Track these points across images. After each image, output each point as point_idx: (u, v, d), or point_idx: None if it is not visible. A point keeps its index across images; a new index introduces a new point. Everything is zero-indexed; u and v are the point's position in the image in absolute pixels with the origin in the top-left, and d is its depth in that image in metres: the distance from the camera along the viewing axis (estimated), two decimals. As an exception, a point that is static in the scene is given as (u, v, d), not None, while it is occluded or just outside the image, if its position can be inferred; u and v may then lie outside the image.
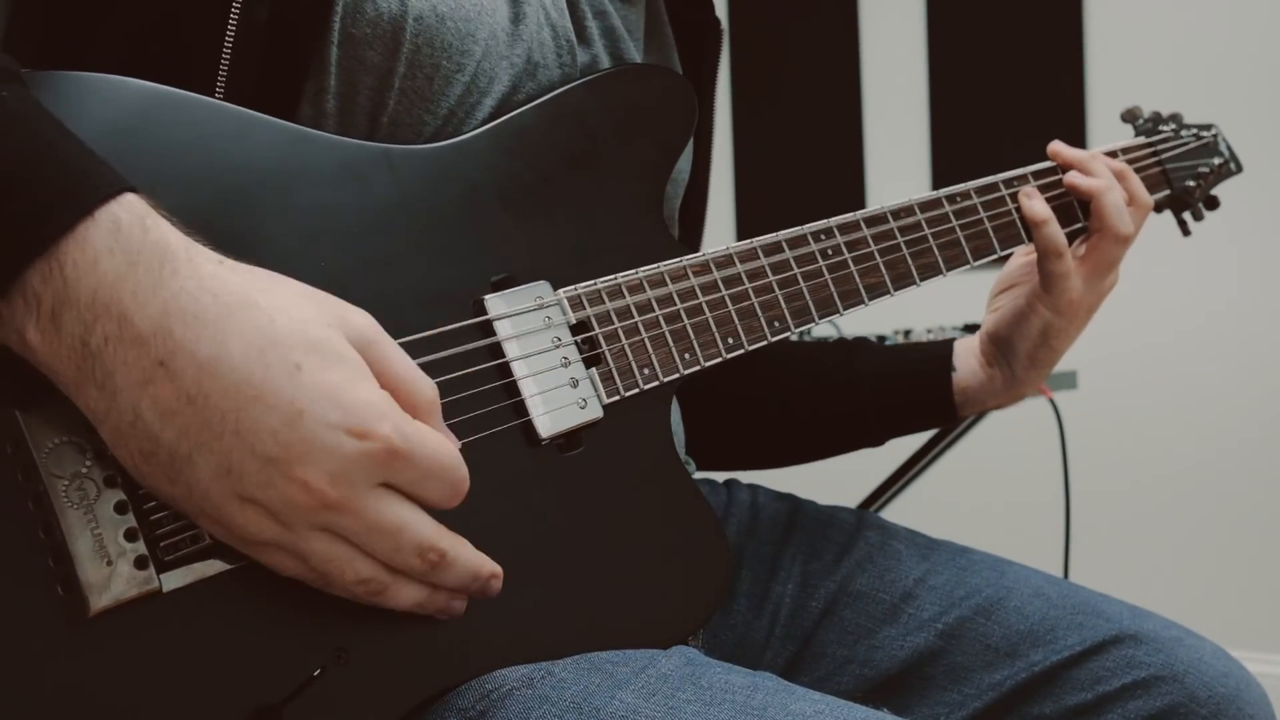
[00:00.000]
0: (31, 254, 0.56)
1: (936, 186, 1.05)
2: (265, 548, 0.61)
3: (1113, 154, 1.10)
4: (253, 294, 0.59)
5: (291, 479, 0.58)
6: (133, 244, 0.57)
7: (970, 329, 1.83)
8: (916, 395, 1.08)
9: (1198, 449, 2.93)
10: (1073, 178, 1.03)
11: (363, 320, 0.63)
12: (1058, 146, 1.06)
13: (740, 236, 3.33)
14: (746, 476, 1.17)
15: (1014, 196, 1.01)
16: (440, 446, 0.62)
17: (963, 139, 3.19)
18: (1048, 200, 1.01)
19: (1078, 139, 2.97)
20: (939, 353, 1.09)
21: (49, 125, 0.60)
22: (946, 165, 3.20)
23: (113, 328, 0.57)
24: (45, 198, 0.57)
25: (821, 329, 0.89)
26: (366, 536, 0.61)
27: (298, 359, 0.59)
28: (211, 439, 0.58)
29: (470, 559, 0.65)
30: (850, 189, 3.36)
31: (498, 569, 0.67)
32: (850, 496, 1.76)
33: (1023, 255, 1.07)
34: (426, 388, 0.64)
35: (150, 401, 0.57)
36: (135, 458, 0.59)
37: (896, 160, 3.31)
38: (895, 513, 1.59)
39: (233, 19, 0.72)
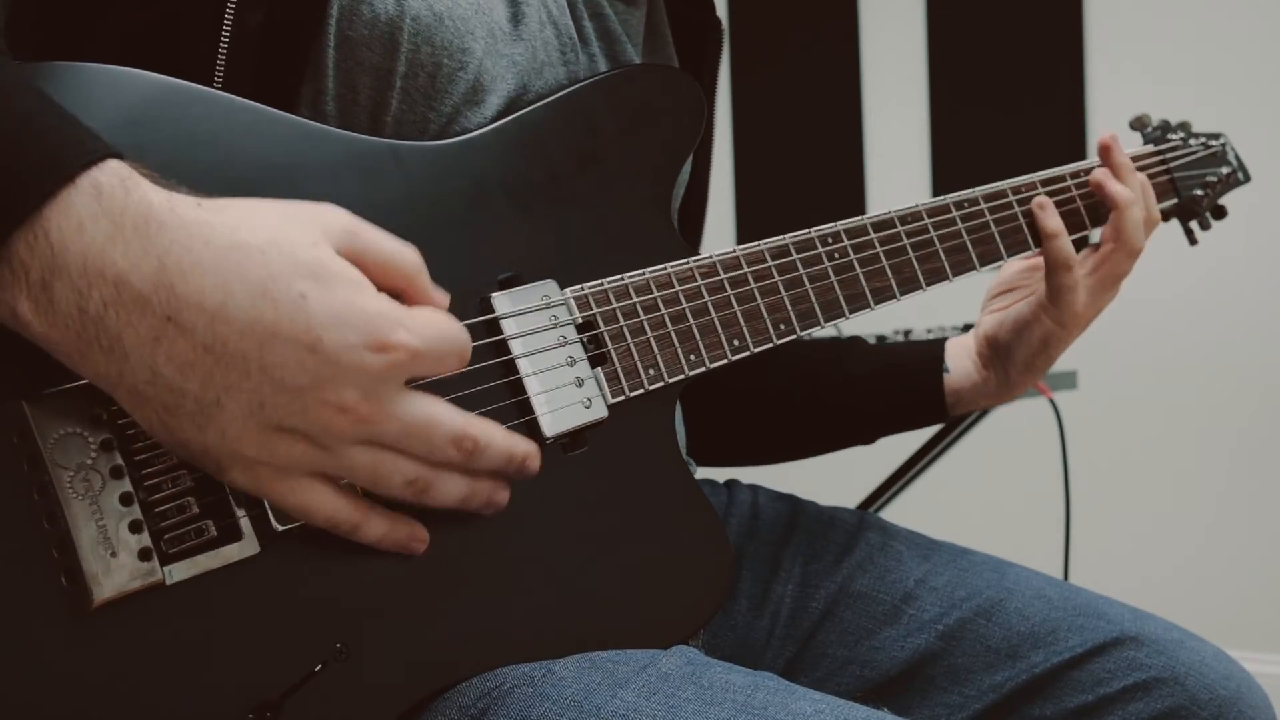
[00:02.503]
0: (14, 222, 0.56)
1: (937, 188, 1.06)
2: (304, 482, 0.63)
3: None
4: (240, 234, 0.60)
5: (325, 402, 0.60)
6: (115, 206, 0.58)
7: (969, 329, 1.82)
8: (908, 395, 1.08)
9: (1198, 449, 2.93)
10: (1101, 178, 1.03)
11: (335, 217, 0.64)
12: (1110, 142, 1.05)
13: (740, 238, 3.34)
14: (747, 477, 1.17)
15: (1022, 203, 1.01)
16: (444, 324, 0.64)
17: (963, 141, 3.19)
18: (1055, 207, 1.01)
19: (1078, 142, 2.97)
20: (931, 353, 1.09)
21: (31, 95, 0.60)
22: (946, 166, 3.20)
23: (110, 291, 0.57)
24: (26, 166, 0.57)
25: (822, 330, 0.89)
26: (404, 439, 0.63)
27: (300, 288, 0.60)
28: (239, 379, 0.59)
29: (504, 441, 0.67)
30: (850, 190, 3.36)
31: (532, 447, 0.69)
32: (850, 497, 1.77)
33: (1022, 258, 1.07)
34: (412, 255, 0.65)
35: (166, 357, 0.58)
36: (160, 413, 0.60)
37: (896, 161, 3.31)
38: (895, 513, 1.59)
39: (226, 23, 0.72)
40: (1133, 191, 1.02)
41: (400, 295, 0.65)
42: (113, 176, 0.58)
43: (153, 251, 0.58)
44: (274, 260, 0.60)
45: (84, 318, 0.57)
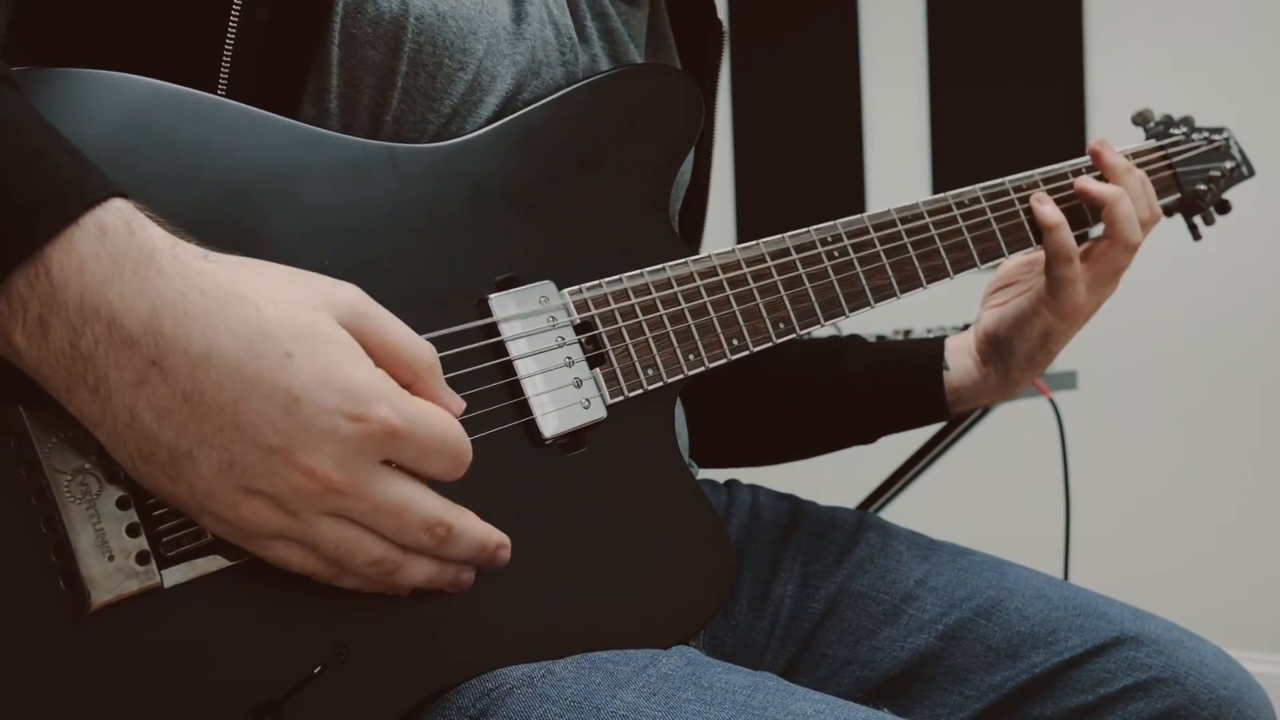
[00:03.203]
0: (16, 259, 0.56)
1: (937, 187, 1.06)
2: (273, 541, 0.61)
3: (1123, 157, 1.10)
4: (238, 286, 0.59)
5: (296, 466, 0.59)
6: (118, 247, 0.57)
7: (969, 328, 1.82)
8: (908, 393, 1.08)
9: (1198, 449, 2.93)
10: (1083, 183, 1.03)
11: (350, 294, 0.63)
12: (1101, 148, 1.05)
13: (741, 238, 3.34)
14: (747, 477, 1.17)
15: (1023, 200, 1.01)
16: (440, 421, 0.63)
17: (963, 139, 3.19)
18: (1056, 204, 1.01)
19: (1078, 140, 2.97)
20: (931, 350, 1.09)
21: (38, 130, 0.59)
22: (946, 166, 3.20)
23: (102, 330, 0.57)
24: (31, 204, 0.57)
25: (822, 329, 0.89)
26: (374, 517, 0.62)
27: (288, 347, 0.59)
28: (211, 434, 0.58)
29: (477, 530, 0.66)
30: (850, 190, 3.36)
31: (504, 538, 0.68)
32: (850, 497, 1.77)
33: (1022, 254, 1.07)
34: (425, 352, 0.64)
35: (146, 402, 0.57)
36: (135, 459, 0.59)
37: (896, 161, 3.31)
38: (895, 513, 1.59)
39: (233, 21, 0.72)
40: (1122, 188, 1.02)
41: (406, 389, 0.63)
42: (117, 217, 0.58)
43: (148, 294, 0.57)
44: (267, 317, 0.59)
45: (75, 354, 0.57)
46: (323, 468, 0.59)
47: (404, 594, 0.66)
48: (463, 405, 0.66)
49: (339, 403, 0.59)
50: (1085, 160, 1.06)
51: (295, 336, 0.59)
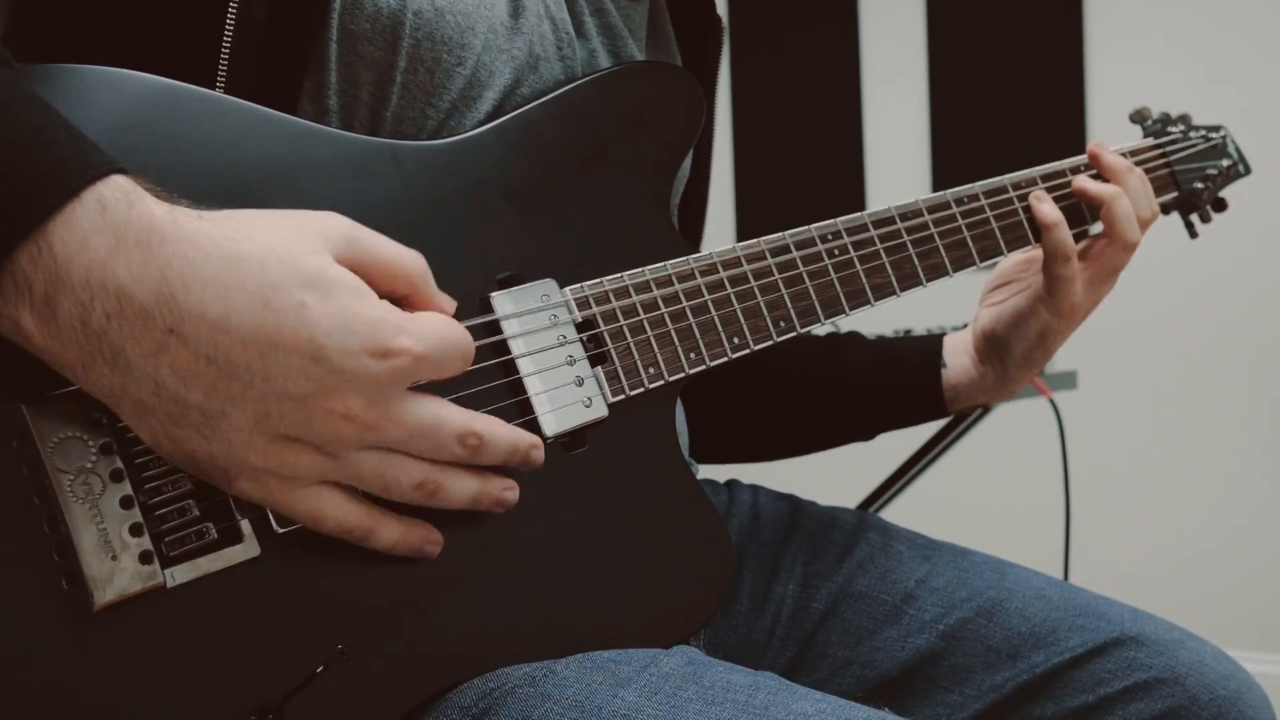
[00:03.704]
0: (17, 236, 0.57)
1: (937, 186, 1.06)
2: (315, 488, 0.63)
3: (1121, 155, 1.10)
4: (239, 243, 0.60)
5: (330, 411, 0.61)
6: (119, 220, 0.58)
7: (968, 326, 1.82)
8: (906, 391, 1.08)
9: (1198, 449, 2.93)
10: (1081, 183, 1.03)
11: (334, 223, 0.64)
12: (1099, 150, 1.05)
13: (740, 236, 3.34)
14: (747, 477, 1.17)
15: (1022, 198, 1.01)
16: (447, 328, 0.64)
17: (963, 139, 3.19)
18: (1055, 202, 1.01)
19: (1078, 139, 2.97)
20: (929, 348, 1.09)
21: (37, 110, 0.60)
22: (946, 165, 3.21)
23: (112, 304, 0.57)
24: (31, 181, 0.57)
25: (822, 327, 0.89)
26: (410, 441, 0.64)
27: (300, 296, 0.60)
28: (242, 390, 0.59)
29: (507, 433, 0.68)
30: (850, 189, 3.36)
31: (536, 439, 0.70)
32: (851, 497, 1.77)
33: (1020, 252, 1.07)
34: (414, 261, 0.66)
35: (169, 369, 0.58)
36: (165, 425, 0.60)
37: (896, 160, 3.31)
38: (895, 513, 1.59)
39: (230, 18, 0.72)
40: (1120, 187, 1.02)
41: (403, 300, 0.65)
42: (117, 191, 0.59)
43: (155, 264, 0.58)
44: (274, 270, 0.60)
45: (87, 331, 0.57)
46: (357, 408, 0.61)
47: (435, 549, 0.68)
48: (454, 304, 0.68)
49: (361, 343, 0.61)
50: (1083, 159, 1.06)
51: (304, 284, 0.60)
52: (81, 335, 0.58)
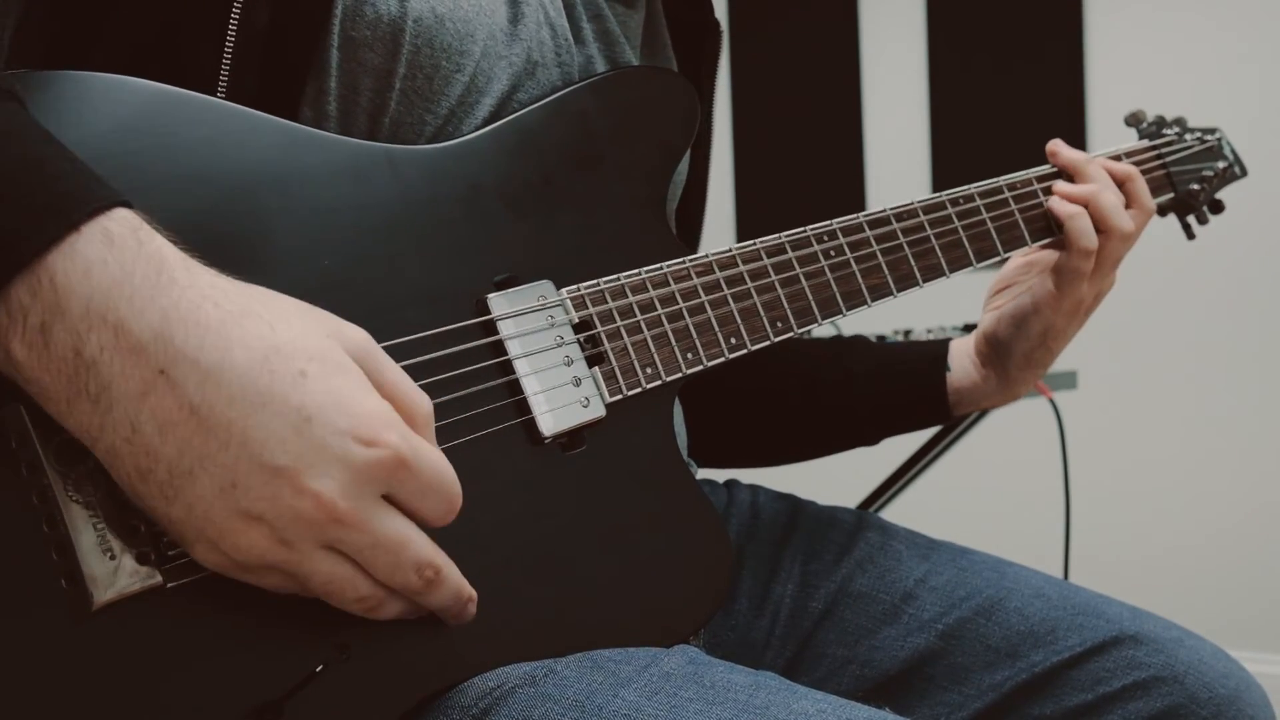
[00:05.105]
0: (16, 267, 0.55)
1: (936, 187, 1.06)
2: (263, 571, 0.60)
3: (1116, 158, 1.10)
4: (252, 304, 0.59)
5: (302, 491, 0.58)
6: (127, 254, 0.57)
7: (970, 329, 1.83)
8: (910, 395, 1.08)
9: (1197, 449, 2.93)
10: (1052, 204, 1.02)
11: (357, 334, 0.62)
12: (1056, 146, 1.05)
13: (740, 237, 3.34)
14: (747, 477, 1.17)
15: (1018, 199, 1.01)
16: (441, 461, 0.62)
17: (963, 140, 3.19)
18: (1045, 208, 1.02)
19: (1078, 141, 2.97)
20: (934, 352, 1.09)
21: (40, 141, 0.59)
22: (946, 166, 3.21)
23: (108, 337, 0.56)
24: (31, 212, 0.56)
25: (821, 329, 0.89)
26: (370, 553, 0.60)
27: (302, 366, 0.58)
28: (216, 450, 0.57)
29: (457, 579, 0.65)
30: (850, 190, 3.37)
31: (474, 593, 0.66)
32: (850, 496, 1.77)
33: (1021, 256, 1.07)
34: (422, 401, 0.63)
35: (150, 413, 0.56)
36: (131, 476, 0.58)
37: (896, 161, 3.31)
38: (895, 513, 1.59)
39: (232, 24, 0.72)
40: (1092, 184, 1.03)
41: None
42: (123, 225, 0.58)
43: (159, 302, 0.57)
44: (281, 335, 0.59)
45: (78, 361, 0.56)
46: (329, 494, 0.58)
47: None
48: (450, 468, 0.64)
49: (351, 425, 0.58)
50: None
51: (310, 356, 0.59)
52: (71, 366, 0.56)
